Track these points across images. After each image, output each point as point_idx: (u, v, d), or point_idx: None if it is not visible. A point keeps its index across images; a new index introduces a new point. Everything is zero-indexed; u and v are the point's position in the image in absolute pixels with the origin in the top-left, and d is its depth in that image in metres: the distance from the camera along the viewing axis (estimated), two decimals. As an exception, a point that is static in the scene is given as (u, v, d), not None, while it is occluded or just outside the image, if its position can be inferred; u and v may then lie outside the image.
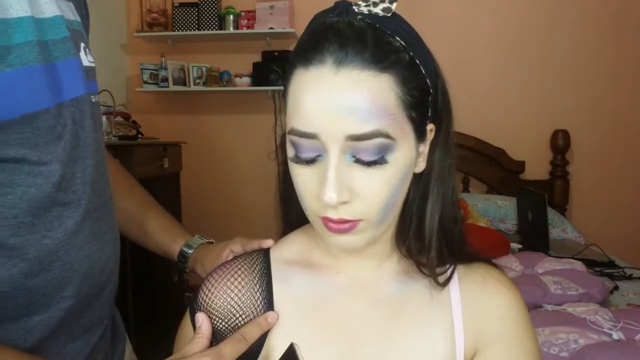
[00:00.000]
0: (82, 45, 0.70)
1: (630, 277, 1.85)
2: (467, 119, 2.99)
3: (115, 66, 3.03)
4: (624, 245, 2.54)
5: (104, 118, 2.22)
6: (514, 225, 2.50)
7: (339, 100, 0.47)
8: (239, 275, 0.62)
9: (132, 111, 2.94)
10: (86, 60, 0.70)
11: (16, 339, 0.60)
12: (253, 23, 2.85)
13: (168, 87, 2.96)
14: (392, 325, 0.57)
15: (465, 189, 2.88)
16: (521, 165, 2.81)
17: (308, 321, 0.58)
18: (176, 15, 2.93)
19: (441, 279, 0.57)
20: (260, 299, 0.60)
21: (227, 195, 3.02)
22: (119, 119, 2.51)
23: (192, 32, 2.91)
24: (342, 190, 0.48)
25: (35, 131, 0.58)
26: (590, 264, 1.91)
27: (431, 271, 0.56)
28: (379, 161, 0.48)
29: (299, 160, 0.51)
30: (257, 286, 0.61)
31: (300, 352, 0.50)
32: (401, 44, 0.50)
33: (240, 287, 0.61)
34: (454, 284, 0.59)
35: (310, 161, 0.50)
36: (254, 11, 2.85)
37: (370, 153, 0.48)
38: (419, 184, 0.56)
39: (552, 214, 2.43)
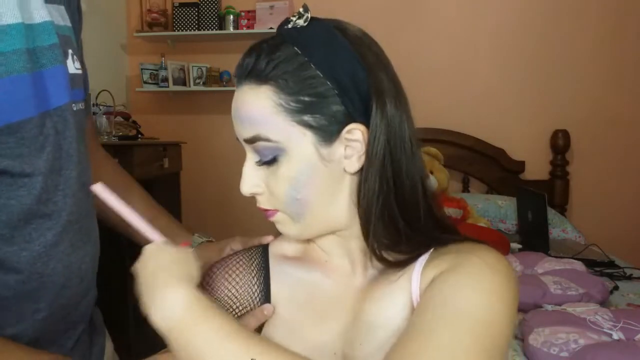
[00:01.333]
0: (70, 51, 0.69)
1: (630, 277, 1.85)
2: (467, 118, 3.02)
3: (115, 66, 3.03)
4: (624, 245, 2.54)
5: (103, 118, 2.22)
6: (514, 225, 2.50)
7: (236, 111, 0.56)
8: (237, 269, 0.65)
9: (132, 111, 2.94)
10: (72, 67, 0.69)
11: None
12: (253, 23, 2.85)
13: (168, 87, 2.96)
14: (363, 307, 0.58)
15: (465, 189, 2.88)
16: (521, 165, 2.81)
17: (301, 312, 0.61)
18: (176, 15, 2.93)
19: (400, 257, 0.56)
20: (258, 291, 0.64)
21: (227, 195, 3.02)
22: (119, 119, 2.51)
23: (192, 32, 2.91)
24: (252, 184, 0.57)
25: (20, 141, 0.57)
26: (590, 264, 1.91)
27: (377, 255, 0.56)
28: (271, 161, 0.55)
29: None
30: (255, 279, 0.64)
31: None
32: (296, 51, 0.54)
33: (238, 279, 0.65)
34: (420, 261, 0.56)
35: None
36: (254, 11, 2.85)
37: (264, 154, 0.55)
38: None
39: (552, 214, 2.43)
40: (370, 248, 0.57)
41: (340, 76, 0.53)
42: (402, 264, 0.56)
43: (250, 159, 0.57)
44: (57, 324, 0.67)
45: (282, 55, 0.54)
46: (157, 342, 0.54)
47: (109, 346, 0.84)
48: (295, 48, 0.54)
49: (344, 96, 0.53)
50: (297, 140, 0.54)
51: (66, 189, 0.64)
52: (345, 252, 0.61)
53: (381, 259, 0.56)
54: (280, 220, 0.59)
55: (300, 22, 0.55)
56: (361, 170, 0.55)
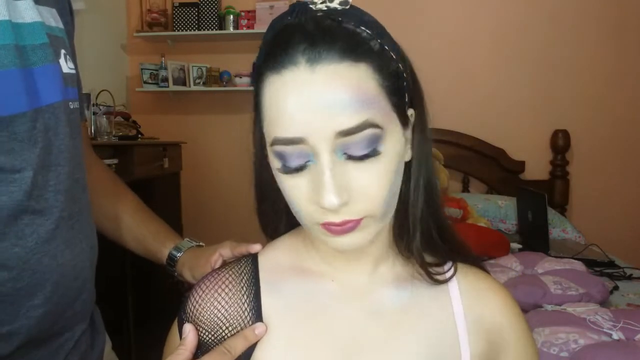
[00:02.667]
0: (63, 52, 0.69)
1: (630, 277, 1.85)
2: (467, 118, 3.02)
3: (115, 66, 3.03)
4: (624, 245, 2.54)
5: (103, 118, 2.22)
6: (514, 225, 2.50)
7: (322, 98, 0.45)
8: (227, 286, 0.59)
9: (132, 111, 2.94)
10: (66, 67, 0.69)
11: None
12: (253, 23, 2.85)
13: (168, 87, 2.96)
14: (393, 337, 0.55)
15: (465, 189, 2.87)
16: (521, 165, 2.81)
17: (298, 332, 0.56)
18: (176, 15, 2.93)
19: (440, 277, 0.56)
20: (248, 309, 0.58)
21: (227, 195, 3.02)
22: (119, 119, 2.51)
23: (192, 32, 2.91)
24: (341, 191, 0.46)
25: (12, 135, 0.57)
26: (590, 264, 1.91)
27: (423, 266, 0.55)
28: (372, 153, 0.47)
29: (287, 170, 0.48)
30: (245, 297, 0.58)
31: None
32: (367, 33, 0.49)
33: (227, 298, 0.58)
34: (453, 284, 0.58)
35: (300, 169, 0.48)
36: (254, 11, 2.85)
37: (361, 146, 0.46)
38: (404, 173, 0.54)
39: (552, 214, 2.43)
40: (405, 245, 0.56)
41: (402, 63, 0.52)
42: (444, 281, 0.57)
43: (330, 159, 0.46)
44: (54, 322, 0.66)
45: (362, 34, 0.48)
46: (156, 343, 0.54)
47: (107, 345, 0.84)
48: (364, 28, 0.49)
49: (408, 80, 0.52)
50: (395, 125, 0.49)
51: (58, 185, 0.64)
52: (354, 260, 0.57)
53: (424, 265, 0.56)
54: (366, 225, 0.49)
55: (336, 5, 0.49)
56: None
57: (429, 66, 2.80)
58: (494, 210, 2.53)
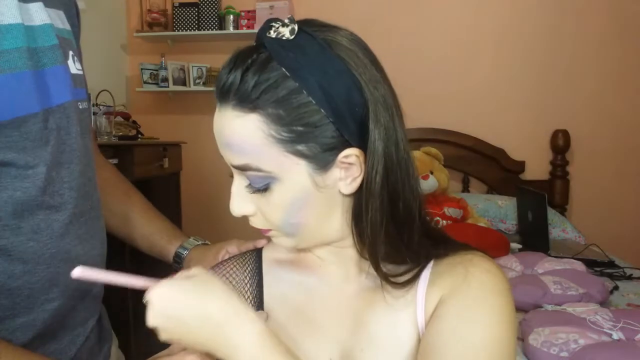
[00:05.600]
0: (71, 53, 0.71)
1: (630, 277, 1.85)
2: (467, 118, 3.01)
3: (115, 66, 3.03)
4: (624, 245, 2.54)
5: (103, 118, 2.22)
6: (514, 225, 2.50)
7: (219, 135, 0.54)
8: (230, 275, 0.65)
9: (132, 111, 2.94)
10: (74, 68, 0.71)
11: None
12: (253, 23, 2.85)
13: (168, 87, 2.96)
14: (365, 314, 0.58)
15: (465, 189, 2.88)
16: (521, 165, 2.81)
17: (294, 318, 0.61)
18: (176, 15, 2.93)
19: (402, 278, 0.56)
20: (251, 297, 0.63)
21: (227, 195, 3.01)
22: (119, 119, 2.51)
23: (192, 32, 2.91)
24: (242, 206, 0.56)
25: (24, 135, 0.59)
26: (590, 264, 1.91)
27: (383, 277, 0.56)
28: (263, 189, 0.53)
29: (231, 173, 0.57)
30: (248, 286, 0.64)
31: None
32: (286, 75, 0.50)
33: (231, 286, 0.63)
34: (424, 278, 0.57)
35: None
36: (254, 11, 2.85)
37: (254, 182, 0.53)
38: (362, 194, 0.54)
39: (552, 214, 2.43)
40: (374, 266, 0.56)
41: (334, 103, 0.50)
42: (405, 284, 0.56)
43: (239, 181, 0.55)
44: (68, 316, 0.69)
45: (271, 79, 0.49)
46: (157, 342, 0.54)
47: (113, 343, 0.86)
48: (284, 70, 0.50)
49: (339, 123, 0.51)
50: (291, 170, 0.52)
51: (71, 181, 0.66)
52: (339, 260, 0.61)
53: (384, 277, 0.56)
54: (275, 235, 0.58)
55: (286, 32, 0.51)
56: (356, 191, 0.54)
57: (429, 66, 2.82)
58: (494, 210, 2.53)
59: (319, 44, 0.51)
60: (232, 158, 0.53)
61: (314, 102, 0.50)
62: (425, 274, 0.57)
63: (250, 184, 0.54)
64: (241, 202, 0.56)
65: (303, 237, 0.57)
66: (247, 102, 0.50)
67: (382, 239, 0.54)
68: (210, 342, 0.49)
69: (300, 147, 0.51)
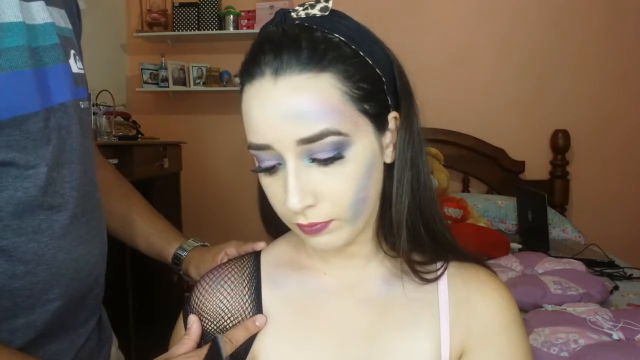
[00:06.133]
0: (72, 52, 0.71)
1: (630, 277, 1.85)
2: (467, 118, 3.02)
3: (115, 66, 3.03)
4: (624, 245, 2.54)
5: (103, 118, 2.22)
6: (514, 225, 2.50)
7: (282, 108, 0.48)
8: (229, 279, 0.63)
9: (132, 111, 2.94)
10: (75, 67, 0.71)
11: (0, 341, 0.60)
12: (253, 23, 2.85)
13: (168, 87, 2.96)
14: (377, 324, 0.57)
15: (465, 189, 2.88)
16: (521, 165, 2.81)
17: (295, 323, 0.59)
18: (176, 15, 2.93)
19: (429, 275, 0.56)
20: (249, 302, 0.61)
21: (227, 195, 3.02)
22: (119, 119, 2.50)
23: (192, 32, 2.91)
24: (305, 195, 0.49)
25: (25, 134, 0.59)
26: (590, 264, 1.91)
27: (410, 263, 0.56)
28: (336, 157, 0.49)
29: (261, 170, 0.52)
30: (246, 289, 0.62)
31: (223, 346, 0.54)
32: (340, 39, 0.50)
33: (229, 290, 0.62)
34: (443, 282, 0.58)
35: (272, 169, 0.51)
36: (254, 11, 2.85)
37: (325, 152, 0.48)
38: (390, 173, 0.55)
39: (552, 214, 2.43)
40: (390, 245, 0.57)
41: (383, 66, 0.53)
42: (430, 280, 0.57)
43: (295, 164, 0.49)
44: (69, 316, 0.68)
45: (333, 42, 0.50)
46: (158, 343, 0.54)
47: (113, 343, 0.86)
48: (337, 35, 0.50)
49: (388, 84, 0.53)
50: (364, 131, 0.50)
51: (72, 181, 0.66)
52: (349, 261, 0.59)
53: (411, 265, 0.56)
54: (335, 227, 0.52)
55: (316, 11, 0.51)
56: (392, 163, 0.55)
57: (429, 66, 2.82)
58: (494, 210, 2.53)
59: (354, 21, 0.53)
60: (303, 129, 0.47)
61: (370, 62, 0.51)
62: (443, 281, 0.58)
63: (316, 159, 0.49)
64: (302, 191, 0.49)
65: (363, 219, 0.54)
66: (316, 62, 0.48)
67: (408, 220, 0.54)
68: None
69: (367, 106, 0.51)
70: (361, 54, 0.51)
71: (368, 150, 0.51)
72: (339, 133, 0.48)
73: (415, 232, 0.55)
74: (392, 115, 0.54)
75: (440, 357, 0.55)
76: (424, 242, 0.56)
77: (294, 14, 0.52)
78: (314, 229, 0.51)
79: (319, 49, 0.48)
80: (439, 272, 0.57)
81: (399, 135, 0.54)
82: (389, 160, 0.54)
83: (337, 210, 0.51)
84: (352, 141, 0.49)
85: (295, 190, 0.49)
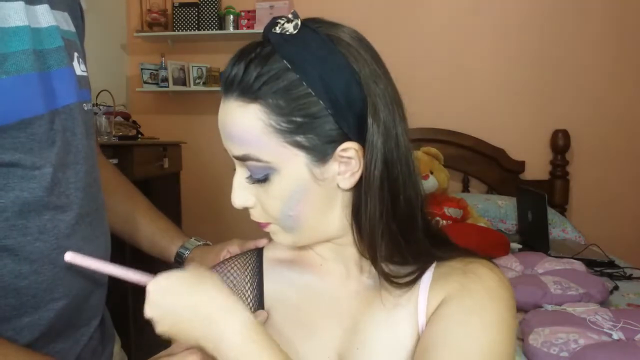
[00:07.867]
0: (76, 54, 0.72)
1: (630, 277, 1.85)
2: (467, 118, 3.01)
3: (115, 66, 3.03)
4: (624, 245, 2.54)
5: (103, 118, 2.22)
6: (514, 225, 2.50)
7: (222, 125, 0.55)
8: (231, 275, 0.66)
9: (132, 111, 2.94)
10: (79, 69, 0.72)
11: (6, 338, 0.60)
12: (253, 23, 2.85)
13: (168, 87, 2.96)
14: (364, 313, 0.58)
15: (465, 189, 2.88)
16: (521, 165, 2.81)
17: (295, 315, 0.61)
18: (176, 15, 2.93)
19: (401, 280, 0.56)
20: (251, 297, 0.64)
21: (227, 195, 3.01)
22: (119, 119, 2.50)
23: (192, 32, 2.91)
24: (244, 198, 0.57)
25: (30, 136, 0.59)
26: (590, 264, 1.91)
27: (384, 274, 0.56)
28: (262, 180, 0.54)
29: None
30: (248, 285, 0.65)
31: None
32: (288, 68, 0.51)
33: (231, 286, 0.65)
34: (427, 277, 0.57)
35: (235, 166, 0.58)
36: (254, 11, 2.85)
37: (254, 172, 0.54)
38: (360, 189, 0.55)
39: (552, 214, 2.43)
40: (373, 264, 0.56)
41: (334, 95, 0.51)
42: (405, 284, 0.56)
43: (241, 173, 0.56)
44: (73, 315, 0.69)
45: (273, 70, 0.51)
46: (158, 342, 0.54)
47: (116, 343, 0.86)
48: (286, 62, 0.51)
49: (338, 116, 0.51)
50: (289, 161, 0.53)
51: (77, 182, 0.67)
52: (340, 258, 0.61)
53: (385, 276, 0.56)
54: (274, 230, 0.59)
55: (290, 27, 0.52)
56: (355, 186, 0.55)
57: (429, 66, 2.82)
58: (494, 210, 2.53)
59: (321, 39, 0.52)
60: (234, 148, 0.54)
61: (313, 93, 0.51)
62: (428, 275, 0.57)
63: (250, 175, 0.55)
64: (242, 193, 0.57)
65: (302, 232, 0.57)
66: (249, 92, 0.51)
67: (382, 236, 0.55)
68: (199, 334, 0.50)
69: (299, 138, 0.52)
70: (304, 84, 0.51)
71: (294, 179, 0.53)
72: (258, 160, 0.53)
73: (394, 240, 0.55)
74: (345, 146, 0.53)
75: (417, 326, 0.56)
76: (402, 249, 0.56)
77: (275, 28, 0.53)
78: (260, 225, 0.59)
79: (259, 80, 0.51)
80: (414, 276, 0.56)
81: (366, 158, 0.53)
82: (346, 185, 0.54)
83: (270, 218, 0.57)
84: (276, 167, 0.53)
85: (236, 192, 0.57)
